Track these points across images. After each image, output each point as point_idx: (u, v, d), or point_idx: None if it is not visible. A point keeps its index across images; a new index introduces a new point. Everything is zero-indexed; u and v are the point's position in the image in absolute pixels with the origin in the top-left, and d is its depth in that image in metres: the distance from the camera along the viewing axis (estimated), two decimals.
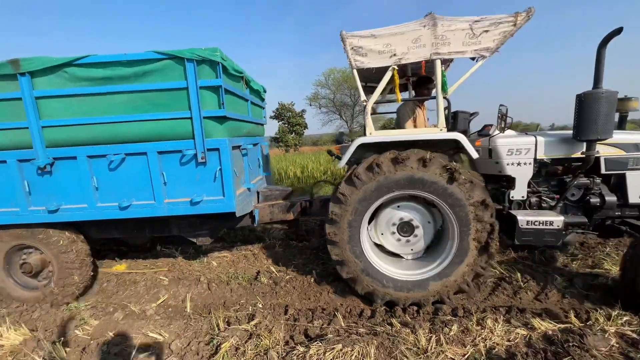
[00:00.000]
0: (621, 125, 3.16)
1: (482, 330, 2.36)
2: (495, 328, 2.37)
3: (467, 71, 2.87)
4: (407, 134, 3.08)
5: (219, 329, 2.80)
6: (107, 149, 3.03)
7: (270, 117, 35.87)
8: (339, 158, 4.42)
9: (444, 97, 2.94)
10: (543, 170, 3.17)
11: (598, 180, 2.97)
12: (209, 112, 2.99)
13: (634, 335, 2.21)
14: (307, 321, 2.84)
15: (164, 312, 3.27)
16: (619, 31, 2.51)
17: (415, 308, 2.92)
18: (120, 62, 2.87)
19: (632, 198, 2.87)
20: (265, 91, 5.05)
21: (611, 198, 2.90)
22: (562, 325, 2.40)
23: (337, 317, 2.82)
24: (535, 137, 3.09)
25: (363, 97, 3.06)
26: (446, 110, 3.35)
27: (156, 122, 3.00)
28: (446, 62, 3.70)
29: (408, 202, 3.14)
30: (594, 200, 2.95)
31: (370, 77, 4.37)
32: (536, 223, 2.91)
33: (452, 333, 2.36)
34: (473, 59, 2.87)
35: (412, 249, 3.23)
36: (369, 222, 3.31)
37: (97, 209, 3.16)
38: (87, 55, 2.85)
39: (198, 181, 3.14)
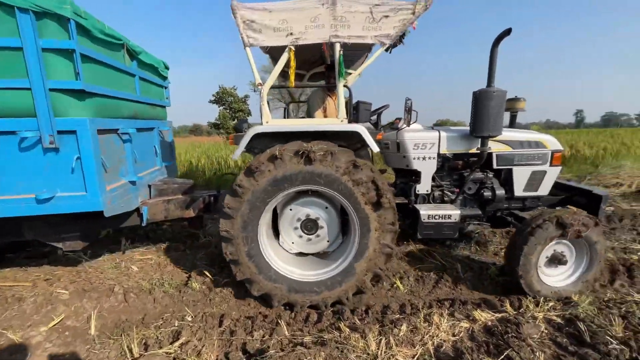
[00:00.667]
0: (512, 124, 3.38)
1: (430, 327, 2.31)
2: (441, 323, 2.35)
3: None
4: (306, 124, 2.84)
5: (132, 355, 2.22)
6: None
7: (210, 102, 33.09)
8: None
9: (345, 86, 2.75)
10: (446, 165, 3.24)
11: (491, 174, 3.13)
12: (58, 84, 2.30)
13: (559, 320, 2.37)
14: (245, 333, 2.43)
15: (58, 338, 2.45)
16: (508, 32, 2.59)
17: (363, 309, 2.73)
18: None
19: (517, 191, 3.09)
20: (167, 68, 4.34)
21: (500, 191, 3.08)
22: (499, 315, 2.46)
23: (280, 325, 2.48)
24: (439, 132, 3.12)
25: (258, 79, 2.70)
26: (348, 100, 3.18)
27: None
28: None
29: (320, 199, 2.91)
30: (487, 193, 3.10)
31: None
32: (436, 217, 2.94)
33: (401, 334, 2.26)
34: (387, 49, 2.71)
35: (314, 247, 3.01)
36: (274, 219, 3.00)
37: None
38: None
39: (48, 172, 2.43)
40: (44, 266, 3.57)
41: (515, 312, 2.49)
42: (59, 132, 2.35)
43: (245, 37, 2.60)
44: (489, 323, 2.36)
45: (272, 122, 2.79)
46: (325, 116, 3.66)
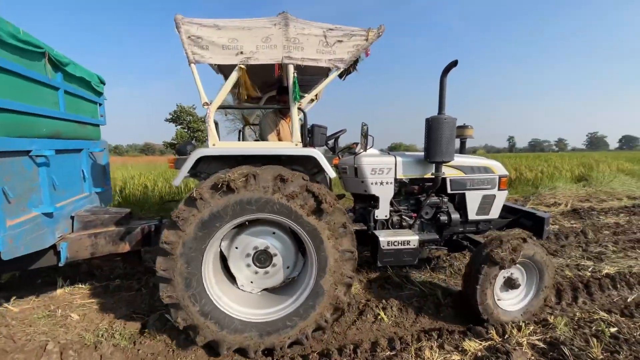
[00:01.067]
0: (462, 150, 3.55)
1: None
2: (433, 358, 2.23)
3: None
4: (258, 147, 2.67)
5: None
6: None
7: (166, 120, 31.13)
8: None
9: (299, 108, 2.64)
10: (402, 190, 3.24)
11: (446, 199, 3.19)
12: None
13: (542, 345, 2.35)
14: None
15: None
16: (455, 63, 2.73)
17: (351, 348, 2.43)
18: None
19: (470, 215, 3.18)
20: (103, 82, 3.88)
21: (456, 215, 3.14)
22: (487, 343, 2.38)
23: None
24: (395, 157, 3.13)
25: (204, 99, 2.48)
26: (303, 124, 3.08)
27: None
28: (321, 72, 3.48)
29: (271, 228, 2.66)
30: (443, 218, 3.14)
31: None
32: (395, 243, 2.86)
33: None
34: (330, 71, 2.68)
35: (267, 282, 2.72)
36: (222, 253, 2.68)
37: None
38: None
39: None
40: None
41: (500, 339, 2.44)
42: None
43: (190, 53, 2.39)
44: (479, 354, 2.29)
45: (219, 144, 2.55)
46: (279, 139, 3.50)
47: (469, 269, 2.78)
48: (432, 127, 2.86)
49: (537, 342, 2.40)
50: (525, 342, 2.39)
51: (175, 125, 30.55)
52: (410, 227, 3.21)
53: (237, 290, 2.70)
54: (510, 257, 2.53)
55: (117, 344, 2.52)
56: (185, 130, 30.18)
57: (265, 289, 2.76)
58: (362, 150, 3.08)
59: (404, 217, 3.22)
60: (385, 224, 3.21)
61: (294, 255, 2.68)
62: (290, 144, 2.60)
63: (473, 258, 2.79)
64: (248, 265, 2.61)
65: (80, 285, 3.48)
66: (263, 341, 2.40)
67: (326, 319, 2.49)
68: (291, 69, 2.49)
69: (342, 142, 3.51)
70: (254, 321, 2.44)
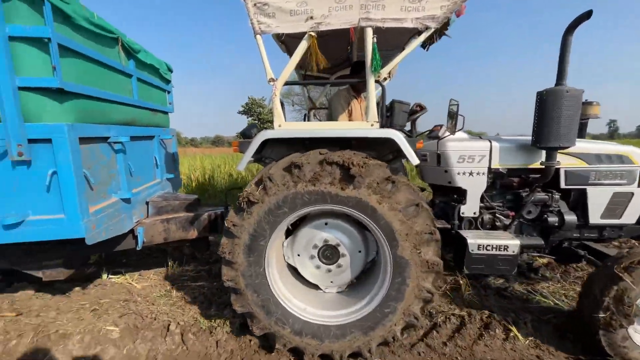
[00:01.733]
0: (581, 133, 2.81)
1: None
2: None
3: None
4: (327, 128, 2.34)
5: None
6: None
7: (239, 113, 33.58)
8: None
9: (377, 81, 2.23)
10: (498, 182, 2.68)
11: (557, 196, 2.56)
12: (30, 81, 1.84)
13: None
14: None
15: None
16: (588, 15, 2.06)
17: None
18: None
19: (593, 218, 2.50)
20: (170, 70, 3.91)
21: (571, 217, 2.50)
22: None
23: None
24: (491, 142, 2.58)
25: (270, 74, 2.22)
26: (380, 100, 2.67)
27: None
28: (398, 44, 3.01)
29: (339, 220, 2.38)
30: (552, 219, 2.52)
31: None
32: (488, 247, 2.37)
33: None
34: (419, 33, 2.21)
35: (332, 281, 2.46)
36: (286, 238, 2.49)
37: None
38: None
39: (16, 191, 1.96)
40: (90, 291, 3.06)
41: None
42: (30, 141, 1.89)
43: (255, 23, 2.13)
44: None
45: (285, 125, 2.30)
46: (350, 120, 3.15)
47: (588, 288, 2.18)
48: (548, 102, 2.25)
49: None
50: None
51: (247, 117, 32.50)
52: (505, 228, 2.66)
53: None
54: None
55: (229, 331, 2.48)
56: (256, 121, 31.99)
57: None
58: (447, 134, 2.59)
59: (498, 215, 2.68)
60: (474, 223, 2.71)
61: (361, 268, 2.40)
62: (364, 124, 2.24)
63: (597, 275, 2.18)
64: (312, 257, 2.39)
65: (186, 267, 3.61)
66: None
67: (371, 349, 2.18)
68: (369, 32, 2.09)
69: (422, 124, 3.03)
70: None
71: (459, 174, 2.62)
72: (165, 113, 3.88)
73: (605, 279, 2.07)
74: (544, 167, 2.44)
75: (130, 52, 2.90)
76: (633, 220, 2.47)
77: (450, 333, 2.46)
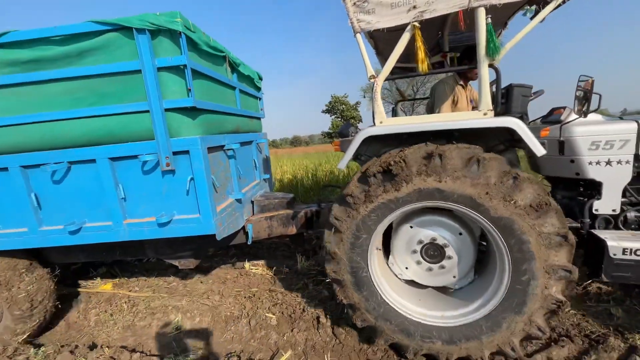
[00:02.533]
0: None
1: None
2: None
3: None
4: (433, 120, 2.21)
5: None
6: (46, 156, 2.31)
7: (322, 112, 35.25)
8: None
9: (491, 66, 2.04)
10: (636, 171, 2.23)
11: None
12: (172, 103, 2.20)
13: None
14: None
15: None
16: None
17: None
18: (50, 39, 2.11)
19: None
20: (261, 78, 4.24)
21: None
22: None
23: None
24: (638, 123, 2.15)
25: (371, 71, 2.21)
26: (494, 86, 2.45)
27: (103, 118, 2.24)
28: (499, 21, 2.72)
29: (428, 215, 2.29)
30: None
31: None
32: (638, 252, 1.99)
33: None
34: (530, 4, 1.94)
35: (454, 276, 2.35)
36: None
37: (40, 233, 2.45)
38: (6, 31, 2.10)
39: (166, 195, 2.38)
40: (239, 279, 3.61)
41: None
42: (175, 153, 2.26)
43: (355, 21, 2.13)
44: None
45: (387, 121, 2.27)
46: (454, 111, 2.98)
47: None
48: None
49: None
50: None
51: (330, 116, 33.78)
52: None
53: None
54: None
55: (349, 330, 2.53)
56: (339, 119, 33.01)
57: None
58: (575, 117, 2.25)
59: None
60: (612, 222, 2.31)
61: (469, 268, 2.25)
62: (476, 114, 2.08)
63: None
64: (414, 252, 2.33)
65: (312, 262, 3.81)
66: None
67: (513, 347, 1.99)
68: (482, 13, 1.93)
69: (538, 107, 2.68)
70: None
71: (591, 163, 2.26)
72: (259, 119, 4.24)
73: None
74: None
75: (233, 67, 3.23)
76: None
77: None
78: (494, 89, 2.39)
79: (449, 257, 2.26)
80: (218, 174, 2.61)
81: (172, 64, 2.15)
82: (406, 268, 2.42)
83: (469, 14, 1.98)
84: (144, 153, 2.24)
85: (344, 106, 32.59)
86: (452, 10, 1.96)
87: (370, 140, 2.38)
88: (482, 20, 1.93)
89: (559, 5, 2.12)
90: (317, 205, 3.49)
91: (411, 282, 2.49)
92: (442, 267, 2.29)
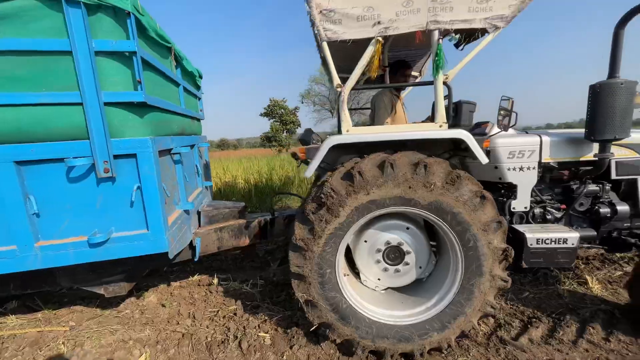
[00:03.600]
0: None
1: None
2: None
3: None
4: (394, 131, 2.37)
5: None
6: None
7: (261, 115, 33.68)
8: (306, 163, 3.56)
9: (444, 83, 2.29)
10: (547, 176, 2.79)
11: (608, 186, 2.69)
12: (114, 96, 1.81)
13: None
14: None
15: None
16: (639, 9, 2.17)
17: None
18: None
19: None
20: (201, 77, 3.87)
21: (623, 207, 2.63)
22: None
23: None
24: (540, 137, 2.68)
25: (337, 81, 2.26)
26: (446, 101, 2.73)
27: (15, 109, 1.70)
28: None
29: (391, 220, 2.43)
30: (604, 210, 2.65)
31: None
32: (547, 241, 2.47)
33: None
34: (482, 33, 2.27)
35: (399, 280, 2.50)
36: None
37: None
38: None
39: (101, 208, 1.92)
40: (210, 297, 3.14)
41: None
42: (117, 157, 1.85)
43: (321, 30, 2.14)
44: None
45: (353, 130, 2.33)
46: (391, 123, 3.21)
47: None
48: (602, 95, 2.35)
49: None
50: None
51: (269, 119, 32.46)
52: (556, 220, 2.77)
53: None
54: None
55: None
56: (278, 122, 31.91)
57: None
58: (498, 130, 2.67)
59: (549, 209, 2.79)
60: (525, 217, 2.81)
61: (428, 254, 2.44)
62: (432, 126, 2.29)
63: None
64: (377, 262, 2.42)
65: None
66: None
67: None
68: (436, 35, 2.14)
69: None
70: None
71: (509, 169, 2.71)
72: (199, 120, 3.84)
73: None
74: (597, 159, 2.55)
75: (178, 61, 2.86)
76: None
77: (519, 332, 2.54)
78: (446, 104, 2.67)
79: (408, 252, 2.40)
80: (167, 181, 2.25)
81: (115, 49, 1.77)
82: (378, 279, 2.48)
83: (426, 34, 2.18)
84: (71, 156, 1.77)
85: (282, 110, 32.44)
86: (412, 30, 2.13)
87: (334, 148, 2.39)
88: (435, 42, 2.14)
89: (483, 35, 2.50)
90: (270, 214, 3.33)
91: (388, 290, 2.56)
92: (407, 263, 2.42)
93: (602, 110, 2.37)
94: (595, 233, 2.72)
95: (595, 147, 2.56)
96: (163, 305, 3.08)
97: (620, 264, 3.43)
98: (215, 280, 3.43)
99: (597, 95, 2.38)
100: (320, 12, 2.12)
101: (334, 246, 2.14)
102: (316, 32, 2.17)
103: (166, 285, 3.43)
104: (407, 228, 2.39)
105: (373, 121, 3.43)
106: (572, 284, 3.13)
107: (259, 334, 2.53)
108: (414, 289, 2.56)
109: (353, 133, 2.33)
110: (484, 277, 2.16)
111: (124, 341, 2.58)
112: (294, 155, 3.75)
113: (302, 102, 37.59)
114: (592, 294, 2.97)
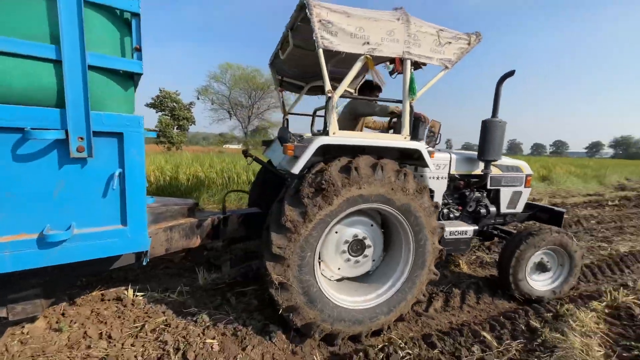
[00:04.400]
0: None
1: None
2: None
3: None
4: (374, 138, 2.76)
5: None
6: None
7: (146, 105, 26.77)
8: (259, 161, 3.52)
9: (410, 103, 2.81)
10: (451, 185, 3.71)
11: (484, 194, 3.79)
12: (105, 60, 1.48)
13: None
14: None
15: None
16: (512, 73, 3.26)
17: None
18: None
19: (502, 209, 3.84)
20: None
21: (493, 209, 3.77)
22: None
23: None
24: (450, 154, 3.57)
25: (328, 86, 2.48)
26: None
27: None
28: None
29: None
30: (483, 211, 3.73)
31: (289, 69, 3.76)
32: (456, 233, 3.33)
33: None
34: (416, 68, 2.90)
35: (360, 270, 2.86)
36: None
37: None
38: None
39: (60, 196, 1.49)
40: (136, 312, 2.63)
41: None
42: (97, 134, 1.50)
43: (319, 37, 2.32)
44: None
45: (339, 133, 2.56)
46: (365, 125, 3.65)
47: (503, 255, 3.41)
48: (488, 129, 3.36)
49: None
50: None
51: (157, 112, 26.52)
52: (456, 218, 3.72)
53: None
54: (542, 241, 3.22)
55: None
56: (168, 117, 26.45)
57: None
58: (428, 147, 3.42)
59: (451, 209, 3.71)
60: (437, 216, 3.66)
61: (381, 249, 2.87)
62: (398, 137, 2.73)
63: (507, 246, 3.42)
64: (343, 252, 2.68)
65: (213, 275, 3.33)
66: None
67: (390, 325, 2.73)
68: (408, 64, 2.62)
69: None
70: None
71: (430, 178, 3.50)
72: None
73: (512, 246, 3.31)
74: (483, 174, 3.59)
75: None
76: (521, 210, 3.97)
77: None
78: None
79: (369, 246, 2.77)
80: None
81: (107, 4, 1.47)
82: (338, 269, 2.73)
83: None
84: (38, 126, 1.34)
85: (175, 104, 28.24)
86: (392, 56, 2.56)
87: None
88: (408, 70, 2.63)
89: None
90: (222, 212, 3.13)
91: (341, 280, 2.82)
92: (366, 256, 2.77)
93: (488, 138, 3.38)
94: (477, 227, 3.80)
95: (481, 165, 3.60)
96: (57, 330, 2.39)
97: (475, 251, 4.83)
98: (129, 292, 2.92)
99: (486, 128, 3.38)
100: (320, 21, 2.27)
101: (319, 231, 2.29)
102: (315, 38, 2.30)
103: (52, 307, 2.68)
104: (371, 225, 2.76)
105: (349, 125, 3.75)
106: (451, 266, 4.22)
107: (206, 341, 2.34)
108: (360, 279, 2.92)
109: (339, 136, 2.50)
110: (424, 270, 2.73)
111: None
112: (245, 152, 3.66)
113: (199, 98, 34.37)
114: (464, 272, 4.09)
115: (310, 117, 4.23)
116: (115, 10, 1.49)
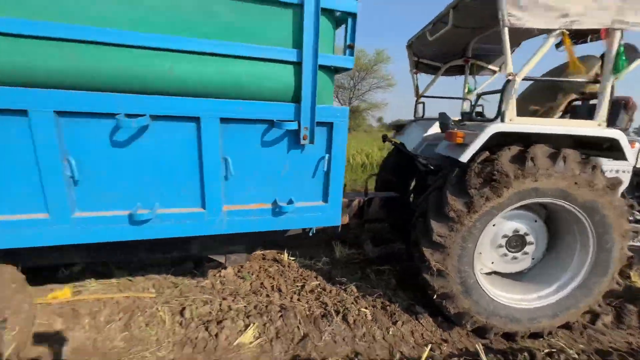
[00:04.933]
0: None
1: None
2: None
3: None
4: (555, 125, 2.40)
5: None
6: (109, 101, 1.42)
7: None
8: (400, 147, 3.56)
9: (612, 84, 2.30)
10: (634, 180, 3.04)
11: None
12: (328, 59, 1.70)
13: None
14: None
15: None
16: None
17: None
18: None
19: None
20: None
21: None
22: None
23: None
24: (638, 143, 2.89)
25: (510, 69, 2.24)
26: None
27: (225, 60, 1.54)
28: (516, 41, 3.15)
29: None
30: None
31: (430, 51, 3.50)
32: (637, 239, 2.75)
33: None
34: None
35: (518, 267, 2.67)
36: None
37: (71, 223, 1.52)
38: None
39: (285, 176, 1.83)
40: (288, 273, 3.12)
41: None
42: (318, 124, 1.76)
43: (506, 15, 2.10)
44: None
45: (517, 120, 2.32)
46: None
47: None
48: None
49: None
50: None
51: None
52: (637, 222, 3.05)
53: None
54: None
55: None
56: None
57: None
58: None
59: (635, 211, 3.04)
60: None
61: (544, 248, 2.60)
62: (591, 124, 2.34)
63: None
64: (499, 246, 2.52)
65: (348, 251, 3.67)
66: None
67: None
68: (618, 36, 2.17)
69: None
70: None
71: (609, 171, 2.90)
72: None
73: None
74: None
75: None
76: None
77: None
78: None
79: (530, 243, 2.55)
80: None
81: (332, 7, 1.64)
82: (492, 263, 2.61)
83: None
84: (281, 119, 1.66)
85: None
86: (595, 27, 2.16)
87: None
88: (616, 42, 2.19)
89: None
90: (364, 193, 3.33)
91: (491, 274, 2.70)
92: (526, 253, 2.57)
93: None
94: None
95: None
96: (242, 278, 3.03)
97: None
98: (285, 256, 3.41)
99: None
100: None
101: (484, 223, 2.20)
102: (500, 16, 2.11)
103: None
104: (535, 221, 2.52)
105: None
106: None
107: (360, 309, 2.59)
108: (510, 276, 2.73)
109: (517, 123, 2.26)
110: (606, 277, 2.37)
111: (223, 311, 2.51)
112: (385, 137, 3.75)
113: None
114: (637, 286, 3.28)
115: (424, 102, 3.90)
116: (335, 12, 1.67)
